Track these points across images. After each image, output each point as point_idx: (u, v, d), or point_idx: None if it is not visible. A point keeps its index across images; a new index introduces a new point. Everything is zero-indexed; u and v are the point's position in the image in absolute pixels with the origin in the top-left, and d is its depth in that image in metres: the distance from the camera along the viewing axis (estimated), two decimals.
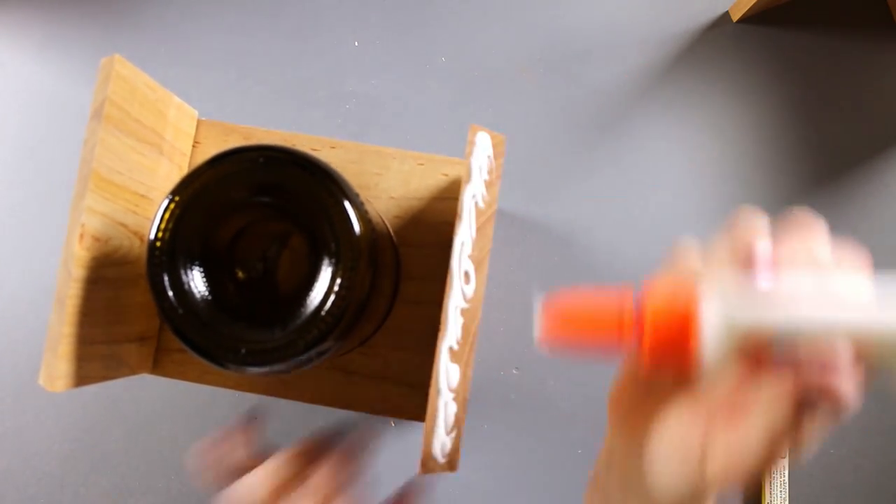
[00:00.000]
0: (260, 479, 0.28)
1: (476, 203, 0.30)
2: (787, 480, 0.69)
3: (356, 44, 0.78)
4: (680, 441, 0.21)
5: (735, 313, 0.18)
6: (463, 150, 0.75)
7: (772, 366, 0.19)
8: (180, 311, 0.27)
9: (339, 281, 0.27)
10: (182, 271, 0.27)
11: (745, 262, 0.19)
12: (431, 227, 0.36)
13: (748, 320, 0.18)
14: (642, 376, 0.24)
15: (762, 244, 0.19)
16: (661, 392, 0.23)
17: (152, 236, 0.27)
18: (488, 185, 0.32)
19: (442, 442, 0.27)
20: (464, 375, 0.32)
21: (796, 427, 0.18)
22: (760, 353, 0.19)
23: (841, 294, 0.18)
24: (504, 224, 0.74)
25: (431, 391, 0.26)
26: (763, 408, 0.19)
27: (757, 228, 0.21)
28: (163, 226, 0.27)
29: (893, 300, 0.18)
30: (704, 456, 0.20)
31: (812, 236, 0.20)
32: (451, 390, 0.28)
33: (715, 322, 0.18)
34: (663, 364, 0.19)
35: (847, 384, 0.17)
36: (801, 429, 0.18)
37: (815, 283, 0.19)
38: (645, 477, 0.23)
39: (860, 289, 0.19)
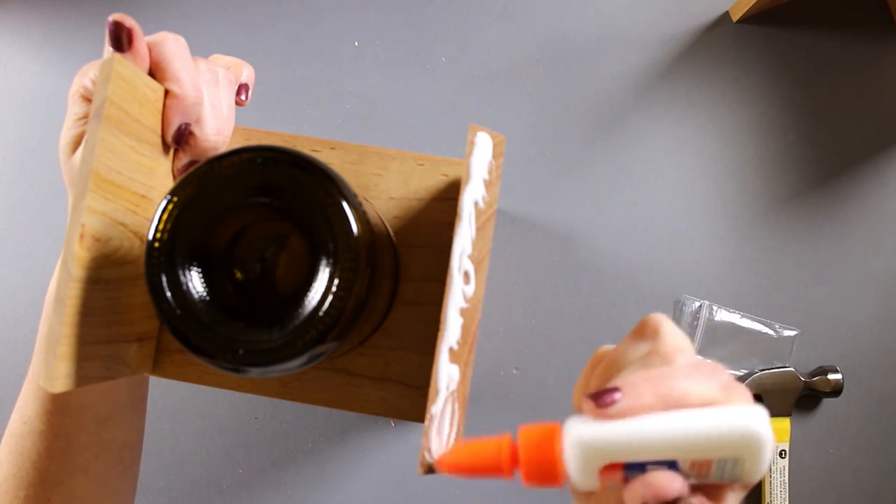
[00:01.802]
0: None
1: (476, 203, 0.30)
2: (787, 480, 0.69)
3: (356, 44, 0.78)
4: None
5: (588, 442, 0.22)
6: (463, 150, 0.75)
7: (625, 479, 0.23)
8: (178, 311, 0.27)
9: (337, 281, 0.27)
10: (180, 272, 0.27)
11: (599, 399, 0.23)
12: (431, 228, 0.36)
13: (600, 446, 0.22)
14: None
15: (612, 380, 0.23)
16: None
17: (150, 237, 0.27)
18: (488, 185, 0.32)
19: (442, 442, 0.27)
20: (464, 375, 0.32)
21: None
22: (616, 470, 0.23)
23: (675, 410, 0.22)
24: (504, 224, 0.74)
25: (431, 391, 0.26)
26: None
27: (611, 363, 0.25)
28: (161, 226, 0.27)
29: (715, 415, 0.22)
30: None
31: (663, 356, 0.24)
32: (450, 390, 0.28)
33: (570, 455, 0.23)
34: (540, 482, 0.24)
35: (669, 483, 0.21)
36: None
37: (652, 405, 0.22)
38: None
39: (693, 402, 0.22)
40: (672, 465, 0.22)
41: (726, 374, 0.23)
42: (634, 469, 0.22)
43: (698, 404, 0.22)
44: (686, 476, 0.22)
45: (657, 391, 0.22)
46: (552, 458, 0.23)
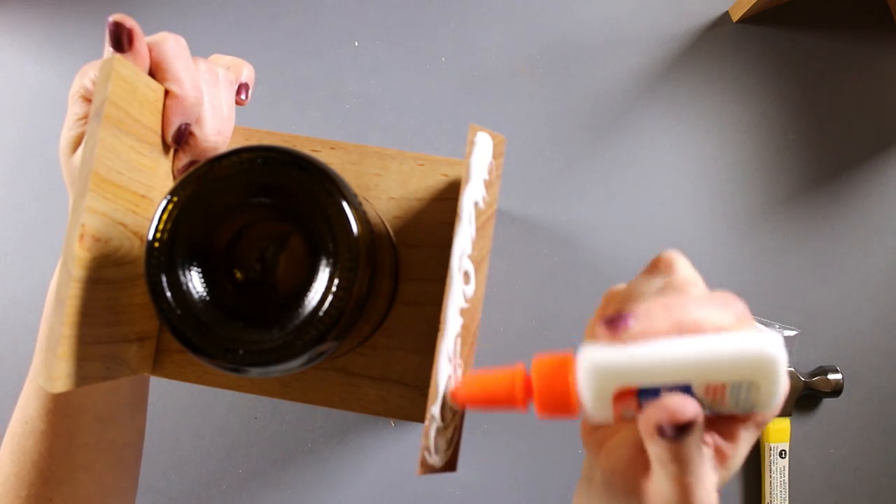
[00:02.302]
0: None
1: (476, 203, 0.30)
2: (787, 480, 0.69)
3: (356, 44, 0.78)
4: (626, 452, 0.25)
5: (602, 366, 0.22)
6: (463, 150, 0.75)
7: (638, 406, 0.23)
8: (178, 311, 0.27)
9: (336, 281, 0.27)
10: (180, 272, 0.27)
11: (612, 323, 0.23)
12: (431, 228, 0.36)
13: (614, 369, 0.22)
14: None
15: (625, 318, 0.23)
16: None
17: (150, 237, 0.27)
18: (488, 185, 0.32)
19: (442, 442, 0.27)
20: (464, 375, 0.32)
21: (678, 455, 0.21)
22: (630, 397, 0.22)
23: (688, 335, 0.22)
24: (504, 224, 0.74)
25: (431, 391, 0.26)
26: (649, 450, 0.22)
27: (624, 295, 0.25)
28: (161, 226, 0.27)
29: (731, 338, 0.22)
30: (640, 494, 0.24)
31: (678, 287, 0.24)
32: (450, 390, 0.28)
33: (584, 379, 0.23)
34: (553, 412, 0.24)
35: (683, 406, 0.20)
36: (683, 455, 0.21)
37: (667, 334, 0.22)
38: (609, 497, 0.26)
39: (710, 333, 0.22)
40: (686, 390, 0.22)
41: (740, 304, 0.23)
42: (648, 395, 0.22)
43: (712, 331, 0.22)
44: (701, 403, 0.22)
45: (671, 317, 0.22)
46: (566, 385, 0.23)
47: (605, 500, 0.27)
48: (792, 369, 0.70)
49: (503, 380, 0.25)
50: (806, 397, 0.71)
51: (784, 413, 0.70)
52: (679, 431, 0.20)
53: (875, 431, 0.71)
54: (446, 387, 0.27)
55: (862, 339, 0.72)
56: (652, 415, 0.21)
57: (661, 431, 0.21)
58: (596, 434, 0.27)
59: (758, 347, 0.21)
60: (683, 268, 0.24)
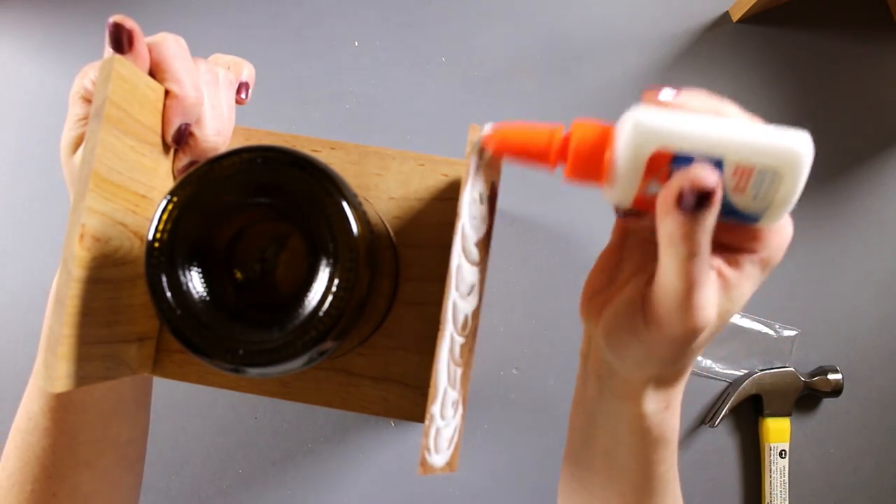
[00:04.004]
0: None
1: (476, 203, 0.30)
2: (787, 480, 0.69)
3: (356, 44, 0.78)
4: (625, 307, 0.26)
5: (645, 122, 0.23)
6: (463, 150, 0.75)
7: (668, 176, 0.23)
8: (178, 311, 0.27)
9: (336, 281, 0.27)
10: (180, 272, 0.27)
11: (660, 91, 0.24)
12: (431, 228, 0.36)
13: (655, 127, 0.23)
14: (595, 267, 0.29)
15: (669, 89, 0.24)
16: (618, 280, 0.28)
17: (150, 237, 0.27)
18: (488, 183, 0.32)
19: (442, 442, 0.27)
20: (464, 375, 0.32)
21: (689, 233, 0.21)
22: (662, 165, 0.23)
23: (725, 118, 0.23)
24: (504, 224, 0.74)
25: (431, 391, 0.26)
26: (661, 232, 0.22)
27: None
28: (161, 226, 0.27)
29: (768, 129, 0.22)
30: (643, 307, 0.25)
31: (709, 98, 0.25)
32: (450, 390, 0.28)
33: (627, 134, 0.23)
34: (584, 171, 0.24)
35: (707, 175, 0.20)
36: (694, 233, 0.21)
37: (707, 111, 0.24)
38: (606, 349, 0.27)
39: (742, 119, 0.23)
40: (717, 167, 0.22)
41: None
42: (680, 164, 0.23)
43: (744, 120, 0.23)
44: (724, 188, 0.23)
45: (712, 103, 0.24)
46: (604, 140, 0.24)
47: (603, 363, 0.28)
48: (792, 369, 0.70)
49: (541, 131, 0.25)
50: (806, 397, 0.71)
51: (784, 413, 0.70)
52: (698, 202, 0.21)
53: (875, 431, 0.71)
54: (480, 137, 0.27)
55: (862, 339, 0.72)
56: (676, 179, 0.21)
57: (680, 200, 0.21)
58: (598, 298, 0.28)
59: (792, 140, 0.22)
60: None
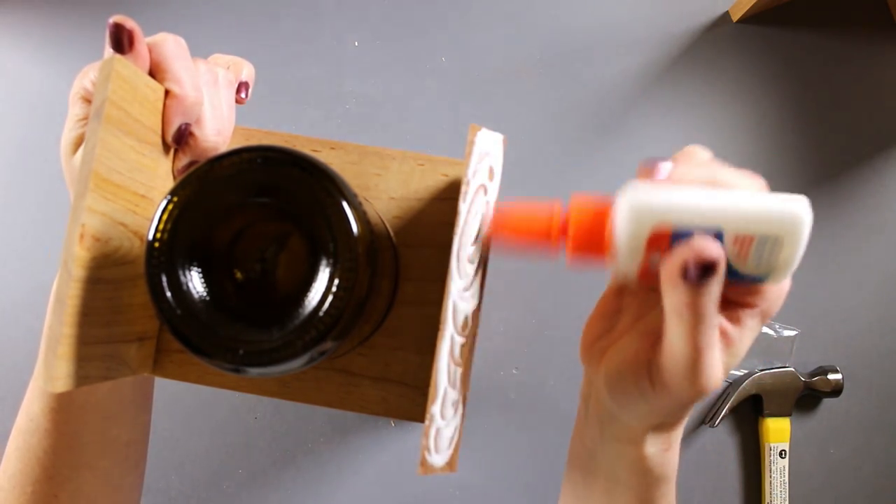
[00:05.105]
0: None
1: (476, 202, 0.30)
2: (787, 480, 0.69)
3: (356, 44, 0.78)
4: (631, 368, 0.26)
5: (642, 200, 0.23)
6: (463, 150, 0.75)
7: (669, 249, 0.23)
8: (178, 311, 0.27)
9: (337, 281, 0.27)
10: (180, 272, 0.27)
11: (653, 166, 0.24)
12: (431, 228, 0.36)
13: (652, 204, 0.23)
14: (594, 314, 0.29)
15: (664, 163, 0.25)
16: (618, 327, 0.28)
17: (150, 237, 0.27)
18: (488, 184, 0.32)
19: (442, 442, 0.27)
20: (464, 375, 0.32)
21: (695, 304, 0.21)
22: (660, 240, 0.23)
23: (722, 189, 0.23)
24: None
25: (431, 391, 0.26)
26: (667, 302, 0.23)
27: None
28: (161, 226, 0.27)
29: (766, 195, 0.23)
30: (649, 369, 0.25)
31: (705, 160, 0.25)
32: (450, 390, 0.28)
33: (625, 214, 0.23)
34: (585, 251, 0.24)
35: (710, 247, 0.21)
36: (701, 304, 0.21)
37: (702, 182, 0.24)
38: (608, 399, 0.27)
39: (738, 188, 0.23)
40: (717, 239, 0.23)
41: (762, 179, 0.24)
42: (681, 237, 0.23)
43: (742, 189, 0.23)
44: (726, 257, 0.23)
45: (705, 172, 0.24)
46: (603, 220, 0.24)
47: (605, 410, 0.28)
48: (792, 369, 0.70)
49: (540, 212, 0.25)
50: (806, 397, 0.71)
51: (784, 413, 0.70)
52: (702, 273, 0.21)
53: (875, 431, 0.71)
54: (481, 225, 0.27)
55: (862, 339, 0.72)
56: (679, 253, 0.22)
57: (685, 272, 0.21)
58: (598, 344, 0.28)
59: (790, 206, 0.22)
60: (705, 153, 0.26)
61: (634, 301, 0.29)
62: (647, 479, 0.29)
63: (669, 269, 0.22)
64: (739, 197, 0.22)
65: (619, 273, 0.25)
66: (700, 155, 0.26)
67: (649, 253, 0.23)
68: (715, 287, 0.21)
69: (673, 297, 0.22)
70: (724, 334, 0.25)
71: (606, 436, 0.29)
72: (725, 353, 0.25)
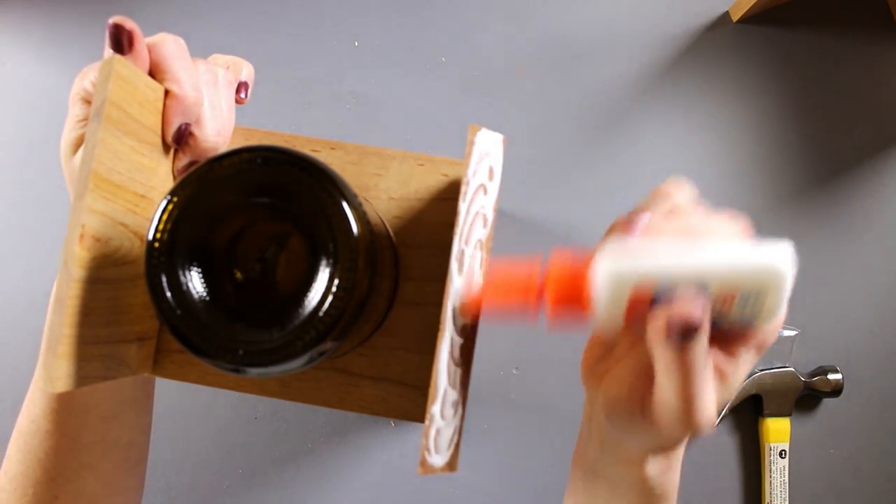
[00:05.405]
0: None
1: (476, 201, 0.30)
2: (787, 480, 0.69)
3: (356, 44, 0.78)
4: (626, 403, 0.26)
5: (619, 262, 0.23)
6: (463, 150, 0.75)
7: (650, 309, 0.23)
8: (178, 311, 0.27)
9: (336, 281, 0.27)
10: (180, 272, 0.27)
11: (628, 229, 0.24)
12: (431, 228, 0.36)
13: (631, 265, 0.22)
14: (593, 337, 0.29)
15: (641, 216, 0.24)
16: (616, 351, 0.28)
17: (150, 237, 0.27)
18: (488, 184, 0.32)
19: (442, 442, 0.27)
20: (464, 375, 0.32)
21: (683, 361, 0.21)
22: (641, 299, 0.23)
23: (702, 244, 0.22)
24: (504, 224, 0.74)
25: (431, 391, 0.26)
26: (655, 357, 0.22)
27: (642, 207, 0.26)
28: (161, 226, 0.27)
29: (745, 248, 0.22)
30: (644, 406, 0.25)
31: (685, 207, 0.25)
32: (450, 390, 0.28)
33: (603, 277, 0.23)
34: (566, 314, 0.24)
35: (693, 307, 0.21)
36: (688, 360, 0.21)
37: (681, 237, 0.23)
38: (607, 424, 0.27)
39: (720, 242, 0.23)
40: (697, 295, 0.22)
41: (744, 220, 0.24)
42: (662, 294, 0.22)
43: (721, 240, 0.23)
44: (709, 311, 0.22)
45: (683, 222, 0.23)
46: (581, 282, 0.23)
47: (606, 433, 0.28)
48: (792, 369, 0.70)
49: (519, 273, 0.25)
50: (806, 397, 0.71)
51: (784, 413, 0.70)
52: (686, 333, 0.21)
53: (875, 431, 0.71)
54: (458, 297, 0.26)
55: (862, 339, 0.72)
56: (662, 314, 0.21)
57: (669, 333, 0.21)
58: (597, 368, 0.28)
59: (769, 257, 0.22)
60: (688, 190, 0.25)
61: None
62: (648, 499, 0.29)
63: (653, 330, 0.22)
64: (720, 252, 0.22)
65: (604, 329, 0.24)
66: (679, 196, 0.25)
67: (632, 311, 0.23)
68: (700, 345, 0.21)
69: (660, 354, 0.22)
70: (718, 369, 0.24)
71: (607, 456, 0.29)
72: (720, 387, 0.24)
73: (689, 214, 0.24)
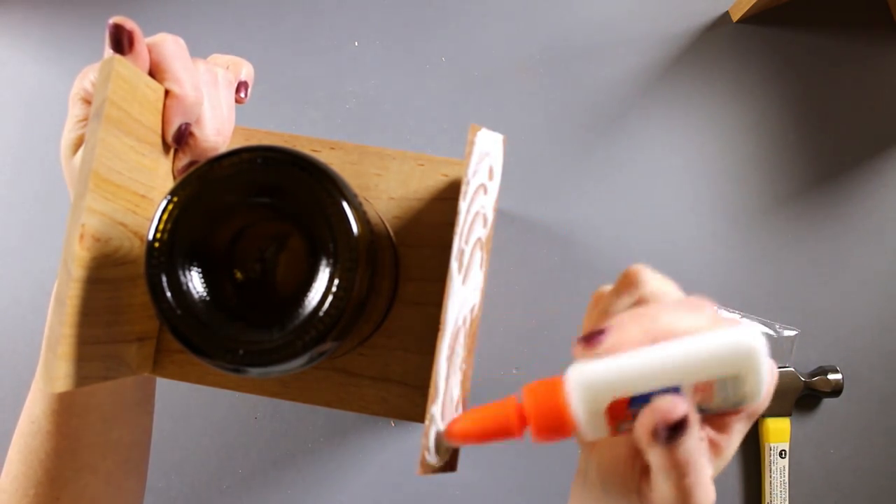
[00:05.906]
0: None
1: (476, 201, 0.30)
2: (787, 480, 0.69)
3: (356, 44, 0.78)
4: (619, 470, 0.25)
5: (590, 380, 0.23)
6: (463, 150, 0.75)
7: (631, 417, 0.23)
8: (178, 311, 0.27)
9: (336, 282, 0.27)
10: (180, 272, 0.27)
11: (588, 340, 0.23)
12: (431, 228, 0.36)
13: (601, 382, 0.22)
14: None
15: (603, 326, 0.23)
16: None
17: (150, 237, 0.27)
18: (488, 184, 0.32)
19: (441, 442, 0.27)
20: (464, 375, 0.32)
21: (675, 459, 0.21)
22: (622, 409, 0.23)
23: (668, 338, 0.22)
24: (504, 224, 0.74)
25: (431, 391, 0.26)
26: (650, 458, 0.22)
27: (601, 316, 0.26)
28: (161, 226, 0.27)
29: (711, 338, 0.22)
30: (640, 488, 0.24)
31: (650, 299, 0.24)
32: (451, 390, 0.28)
33: (576, 398, 0.23)
34: (551, 437, 0.24)
35: (675, 406, 0.20)
36: (681, 458, 0.21)
37: (646, 340, 0.23)
38: (600, 488, 0.27)
39: (688, 335, 0.22)
40: (675, 392, 0.22)
41: (711, 307, 0.23)
42: (639, 403, 0.22)
43: (685, 334, 0.22)
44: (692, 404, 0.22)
45: (643, 326, 0.23)
46: (559, 406, 0.23)
47: (601, 496, 0.28)
48: (792, 369, 0.70)
49: (496, 412, 0.25)
50: (806, 397, 0.71)
51: (784, 413, 0.70)
52: (673, 432, 0.21)
53: (875, 431, 0.71)
54: (438, 430, 0.27)
55: (862, 339, 0.72)
56: (645, 420, 0.21)
57: (656, 436, 0.21)
58: None
59: (735, 341, 0.21)
60: (651, 279, 0.25)
61: None
62: None
63: (640, 434, 0.22)
64: (687, 346, 0.22)
65: (592, 438, 0.24)
66: (643, 288, 0.24)
67: (613, 423, 0.23)
68: (689, 440, 0.21)
69: (653, 457, 0.22)
70: (712, 443, 0.24)
71: None
72: (716, 459, 0.24)
73: (654, 310, 0.23)
